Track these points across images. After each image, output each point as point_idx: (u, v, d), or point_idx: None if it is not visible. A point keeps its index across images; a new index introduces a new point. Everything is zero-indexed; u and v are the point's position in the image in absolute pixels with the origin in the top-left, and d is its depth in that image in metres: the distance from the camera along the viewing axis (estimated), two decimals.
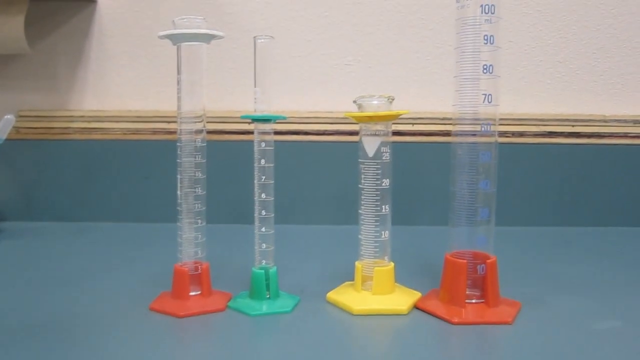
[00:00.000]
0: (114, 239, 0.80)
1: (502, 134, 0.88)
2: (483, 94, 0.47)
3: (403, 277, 0.55)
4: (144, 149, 0.90)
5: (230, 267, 0.62)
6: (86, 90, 0.93)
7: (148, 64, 0.92)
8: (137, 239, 0.80)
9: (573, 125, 0.89)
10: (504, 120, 0.88)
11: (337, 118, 0.88)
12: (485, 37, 0.47)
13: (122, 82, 0.92)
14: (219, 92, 0.91)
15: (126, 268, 0.64)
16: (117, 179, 0.90)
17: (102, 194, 0.90)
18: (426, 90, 0.90)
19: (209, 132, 0.87)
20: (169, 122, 0.90)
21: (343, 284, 0.55)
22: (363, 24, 0.90)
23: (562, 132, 0.89)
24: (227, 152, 0.87)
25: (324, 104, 0.90)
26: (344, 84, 0.91)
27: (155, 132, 0.90)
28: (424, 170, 0.88)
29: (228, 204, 0.86)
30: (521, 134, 0.89)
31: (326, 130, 0.88)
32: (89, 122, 0.91)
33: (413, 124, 0.88)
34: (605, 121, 0.89)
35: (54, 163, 0.90)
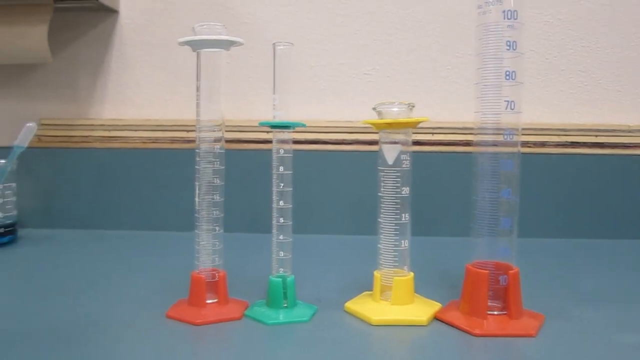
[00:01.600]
0: (132, 246, 0.80)
1: (524, 143, 0.87)
2: (505, 101, 0.46)
3: (422, 288, 0.54)
4: (163, 157, 0.90)
5: (247, 276, 0.61)
6: (106, 99, 0.94)
7: (167, 73, 0.92)
8: (155, 247, 0.80)
9: (596, 136, 0.87)
10: (525, 130, 0.87)
11: (355, 127, 0.88)
12: (508, 43, 0.46)
13: (141, 91, 0.93)
14: (236, 101, 0.91)
15: (143, 275, 0.63)
16: (136, 187, 0.90)
17: (120, 202, 0.90)
18: (445, 99, 0.89)
19: (228, 140, 0.88)
20: (188, 130, 0.90)
21: (361, 294, 0.54)
22: (381, 33, 0.90)
23: (585, 143, 0.87)
24: (245, 161, 0.87)
25: (343, 113, 0.90)
26: (363, 93, 0.90)
27: (173, 140, 0.90)
28: (444, 180, 0.87)
29: (246, 213, 0.86)
30: (543, 144, 0.87)
31: (344, 140, 0.88)
32: (108, 130, 0.91)
33: (433, 133, 0.88)
34: (629, 131, 0.87)
35: (74, 171, 0.91)
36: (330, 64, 0.90)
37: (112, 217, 0.90)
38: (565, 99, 0.90)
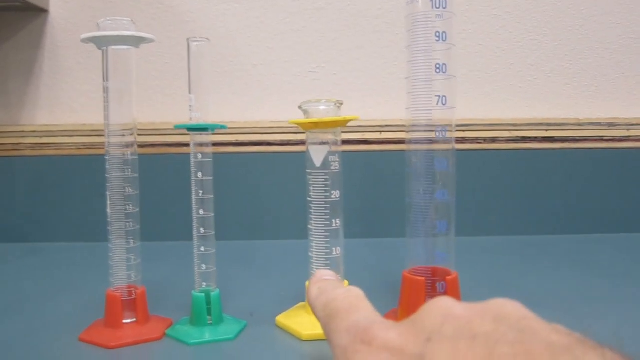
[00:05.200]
0: (65, 260, 0.75)
1: (474, 140, 0.85)
2: (437, 96, 0.43)
3: None
4: (101, 164, 0.85)
5: (174, 290, 0.57)
6: (38, 104, 0.88)
7: (102, 76, 0.87)
8: (90, 259, 0.75)
9: (547, 130, 0.86)
10: (475, 126, 0.85)
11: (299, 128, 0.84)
12: (437, 34, 0.43)
13: (76, 95, 0.88)
14: (177, 103, 0.87)
15: (69, 292, 0.59)
16: (72, 196, 0.85)
17: (55, 212, 0.85)
18: (395, 97, 0.87)
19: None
20: (128, 135, 0.85)
21: (296, 306, 0.51)
22: (326, 30, 0.86)
23: (535, 137, 0.86)
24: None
25: (288, 113, 0.86)
26: (309, 92, 0.87)
27: None
28: (394, 179, 0.84)
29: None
30: (493, 140, 0.86)
31: (290, 141, 0.84)
32: (40, 137, 0.86)
33: (381, 132, 0.85)
34: (579, 125, 0.86)
35: (4, 180, 0.85)
36: (274, 63, 0.87)
37: (45, 229, 0.85)
38: (515, 93, 0.88)
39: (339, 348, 0.24)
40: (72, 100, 0.88)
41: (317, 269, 0.46)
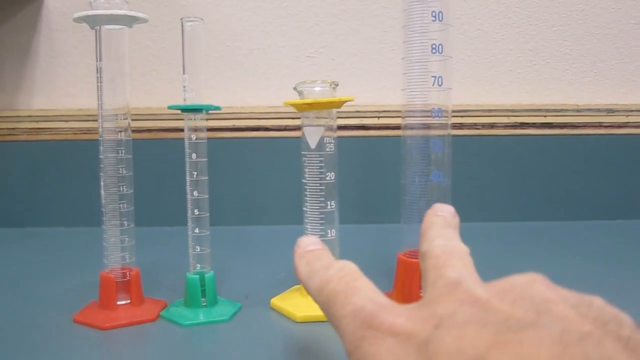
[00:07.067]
0: (60, 244, 0.75)
1: (472, 126, 0.85)
2: (432, 77, 0.43)
3: None
4: (97, 149, 0.85)
5: (168, 272, 0.57)
6: (35, 88, 0.88)
7: None
8: (86, 243, 0.74)
9: (545, 116, 0.85)
10: (473, 112, 0.85)
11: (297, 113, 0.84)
12: (434, 14, 0.43)
13: (72, 79, 0.88)
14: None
15: (64, 275, 0.59)
16: (68, 181, 0.85)
17: (51, 197, 0.85)
18: (394, 82, 0.86)
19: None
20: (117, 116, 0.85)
21: (291, 289, 0.51)
22: (324, 14, 0.86)
23: (534, 123, 0.85)
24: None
25: (285, 98, 0.86)
26: (307, 76, 0.86)
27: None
28: (393, 165, 0.83)
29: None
30: (492, 126, 0.85)
31: (287, 126, 0.84)
32: (37, 122, 0.86)
33: (379, 117, 0.84)
34: (578, 111, 0.86)
35: (0, 165, 0.85)
36: (271, 47, 0.86)
37: (41, 213, 0.85)
38: (513, 79, 0.87)
39: (345, 335, 0.23)
40: (68, 84, 0.88)
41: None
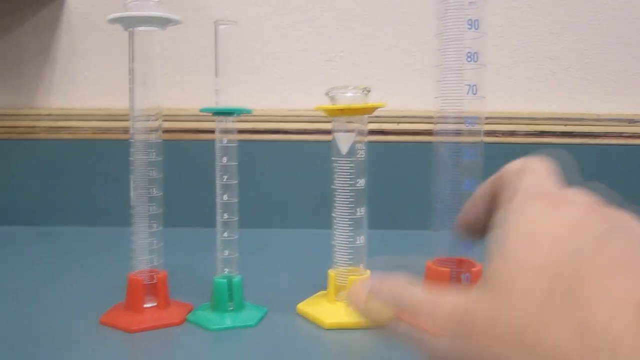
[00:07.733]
0: (78, 244, 0.75)
1: (492, 133, 0.84)
2: (467, 85, 0.43)
3: None
4: (115, 149, 0.85)
5: (194, 275, 0.57)
6: (54, 87, 0.88)
7: (119, 60, 0.86)
8: (104, 244, 0.74)
9: (565, 125, 0.85)
10: (493, 119, 0.84)
11: (317, 116, 0.84)
12: (470, 22, 0.42)
13: (92, 79, 0.88)
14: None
15: (86, 276, 0.59)
16: (86, 181, 0.85)
17: (69, 196, 0.85)
18: (412, 87, 0.86)
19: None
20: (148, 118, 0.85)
21: (316, 294, 0.50)
22: (344, 19, 0.85)
23: (554, 132, 0.85)
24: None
25: (304, 101, 0.86)
26: (326, 81, 0.86)
27: (126, 131, 0.85)
28: (411, 171, 0.83)
29: (194, 206, 0.81)
30: (511, 133, 0.85)
31: (307, 129, 0.84)
32: (56, 120, 0.86)
33: (399, 122, 0.84)
34: (598, 120, 0.85)
35: (19, 164, 0.85)
36: (290, 51, 0.86)
37: (59, 212, 0.85)
38: (534, 87, 0.87)
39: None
40: (87, 84, 0.88)
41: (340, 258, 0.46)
